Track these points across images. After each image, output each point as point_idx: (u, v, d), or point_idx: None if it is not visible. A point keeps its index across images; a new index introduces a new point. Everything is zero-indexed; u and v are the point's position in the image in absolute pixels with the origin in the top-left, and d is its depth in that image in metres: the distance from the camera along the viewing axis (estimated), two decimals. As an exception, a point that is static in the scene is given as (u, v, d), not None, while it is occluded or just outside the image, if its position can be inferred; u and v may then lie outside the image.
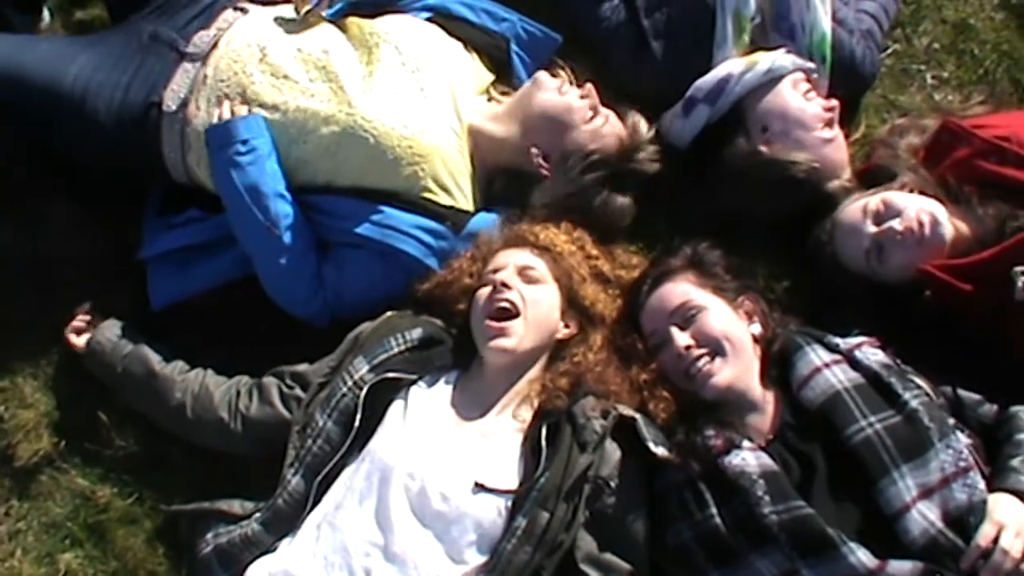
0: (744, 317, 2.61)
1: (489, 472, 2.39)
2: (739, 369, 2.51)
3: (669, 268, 2.65)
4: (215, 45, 2.82)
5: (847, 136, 3.04)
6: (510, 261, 2.62)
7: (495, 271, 2.61)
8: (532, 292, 2.57)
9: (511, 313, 2.54)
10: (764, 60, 2.87)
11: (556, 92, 2.84)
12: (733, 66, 2.88)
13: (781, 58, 2.87)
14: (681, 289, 2.59)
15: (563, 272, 2.63)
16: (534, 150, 2.83)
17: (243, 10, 2.91)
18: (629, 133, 2.88)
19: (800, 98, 2.86)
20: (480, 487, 2.36)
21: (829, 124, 2.86)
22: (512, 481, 2.39)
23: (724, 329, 2.53)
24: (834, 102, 2.88)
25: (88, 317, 2.85)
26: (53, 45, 2.88)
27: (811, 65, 2.90)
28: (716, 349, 2.51)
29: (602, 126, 2.85)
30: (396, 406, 2.53)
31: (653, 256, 2.86)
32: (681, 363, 2.52)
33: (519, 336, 2.53)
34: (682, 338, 2.53)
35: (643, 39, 2.99)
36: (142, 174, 2.91)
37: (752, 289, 2.69)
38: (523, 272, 2.59)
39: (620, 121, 2.89)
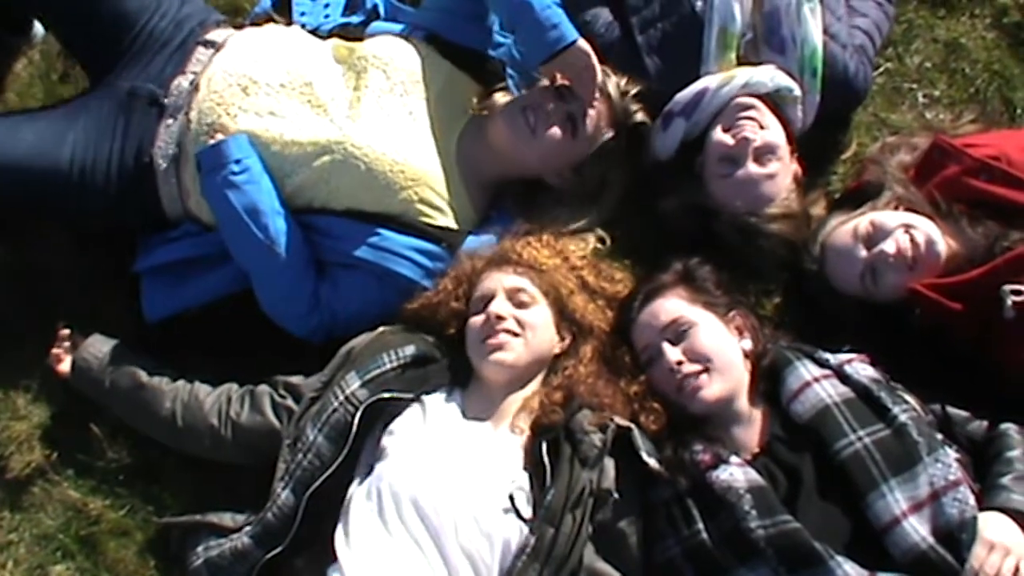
0: (735, 332, 2.62)
1: (513, 491, 2.38)
2: (728, 384, 2.52)
3: (660, 283, 2.66)
4: (195, 88, 2.81)
5: (839, 154, 3.08)
6: (498, 286, 2.61)
7: (485, 299, 2.60)
8: (526, 315, 2.57)
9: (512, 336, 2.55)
10: (741, 75, 2.86)
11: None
12: (711, 80, 2.88)
13: (760, 74, 2.87)
14: (672, 305, 2.60)
15: (550, 286, 2.63)
16: None
17: (214, 44, 2.88)
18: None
19: (719, 128, 2.85)
20: (512, 504, 2.35)
21: (731, 160, 2.83)
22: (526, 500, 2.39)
23: (714, 345, 2.54)
24: (751, 138, 2.80)
25: (68, 335, 2.83)
26: (37, 129, 2.81)
27: (791, 84, 2.88)
28: (706, 365, 2.52)
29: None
30: (406, 430, 2.50)
31: (640, 272, 2.86)
32: (672, 378, 2.53)
33: (517, 353, 2.53)
34: (673, 353, 2.54)
35: (637, 55, 2.99)
36: (140, 224, 2.91)
37: (743, 304, 2.70)
38: (513, 297, 2.59)
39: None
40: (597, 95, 2.83)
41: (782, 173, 2.83)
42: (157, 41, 2.87)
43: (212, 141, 2.73)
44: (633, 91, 2.90)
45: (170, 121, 2.80)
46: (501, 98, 2.94)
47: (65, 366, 2.81)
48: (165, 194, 2.82)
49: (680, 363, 2.52)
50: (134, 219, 2.89)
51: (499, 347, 2.52)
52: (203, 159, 2.73)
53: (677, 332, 2.56)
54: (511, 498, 2.35)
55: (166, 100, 2.81)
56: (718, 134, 2.85)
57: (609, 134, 2.87)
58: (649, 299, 2.63)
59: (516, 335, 2.54)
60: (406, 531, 2.34)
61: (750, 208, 2.82)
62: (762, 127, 2.82)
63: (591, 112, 2.83)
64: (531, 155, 2.84)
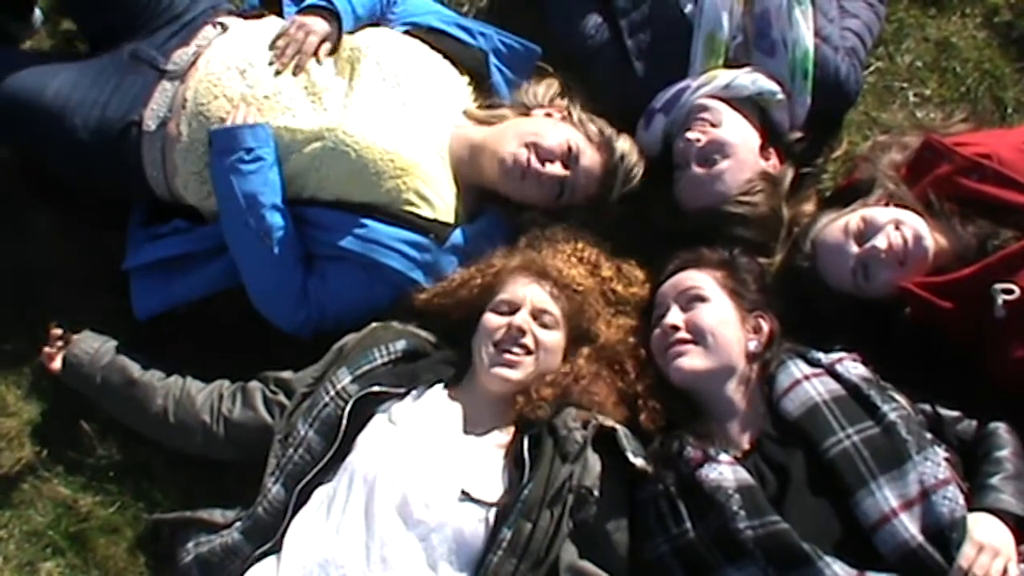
0: (748, 329, 2.62)
1: (474, 482, 2.40)
2: (710, 366, 2.54)
3: (701, 257, 2.71)
4: (194, 64, 2.81)
5: (830, 152, 3.10)
6: (527, 298, 2.59)
7: (511, 306, 2.58)
8: (545, 336, 2.57)
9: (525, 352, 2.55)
10: (724, 76, 2.88)
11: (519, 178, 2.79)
12: (693, 79, 2.90)
13: (742, 76, 2.88)
14: (699, 277, 2.64)
15: (576, 312, 2.62)
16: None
17: (222, 26, 2.89)
18: (607, 167, 2.85)
19: (678, 134, 2.87)
20: (466, 495, 2.36)
21: (683, 163, 2.84)
22: (496, 491, 2.40)
23: (715, 326, 2.56)
24: (692, 139, 2.81)
25: (59, 334, 2.82)
26: (38, 60, 2.87)
27: (773, 87, 2.89)
28: (699, 340, 2.55)
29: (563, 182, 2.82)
30: (380, 416, 2.53)
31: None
32: (664, 339, 2.58)
33: (526, 372, 2.54)
34: (675, 316, 2.58)
35: (626, 58, 3.00)
36: (123, 190, 2.91)
37: (772, 310, 2.68)
38: (538, 316, 2.58)
39: (600, 155, 2.84)
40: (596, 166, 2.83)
41: (734, 169, 2.82)
42: (170, 12, 2.90)
43: (229, 123, 2.73)
44: (640, 163, 2.88)
45: (167, 85, 2.81)
46: (509, 116, 2.91)
47: (57, 364, 2.80)
48: (148, 161, 2.82)
49: (676, 327, 2.56)
50: (113, 179, 2.88)
51: (511, 364, 2.53)
52: (215, 139, 2.73)
53: (689, 300, 2.60)
54: (464, 492, 2.37)
55: (166, 66, 2.82)
56: (676, 142, 2.87)
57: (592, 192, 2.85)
58: (683, 267, 2.68)
59: (530, 352, 2.54)
60: (353, 510, 2.39)
61: (698, 205, 2.83)
62: (714, 125, 2.83)
63: (579, 186, 2.82)
64: (514, 193, 2.83)
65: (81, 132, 2.79)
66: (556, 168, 2.78)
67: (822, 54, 2.93)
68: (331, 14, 2.84)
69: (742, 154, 2.84)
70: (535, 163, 2.76)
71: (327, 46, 2.84)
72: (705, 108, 2.85)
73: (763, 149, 2.88)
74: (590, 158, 2.82)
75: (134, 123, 2.79)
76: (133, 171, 2.83)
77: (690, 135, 2.82)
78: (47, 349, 2.81)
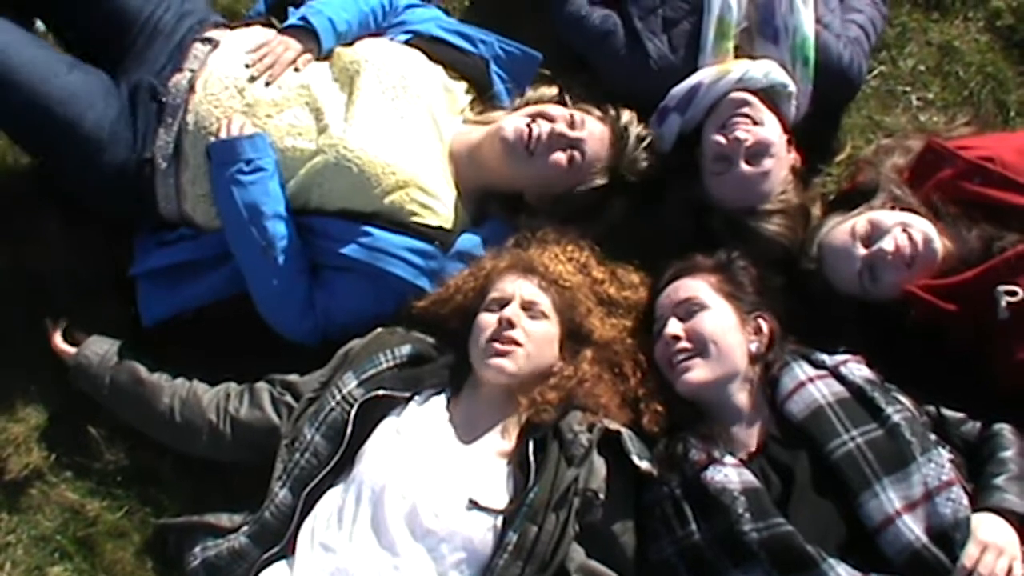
0: (749, 332, 2.63)
1: (481, 490, 2.40)
2: (717, 374, 2.54)
3: (694, 264, 2.70)
4: (192, 88, 2.81)
5: (833, 156, 3.11)
6: (516, 292, 2.61)
7: (500, 302, 2.60)
8: (535, 327, 2.57)
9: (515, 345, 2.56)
10: (736, 69, 2.86)
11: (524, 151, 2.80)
12: (705, 75, 2.89)
13: (755, 69, 2.87)
14: (695, 285, 2.64)
15: (567, 306, 2.63)
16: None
17: (212, 41, 2.88)
18: (614, 140, 2.85)
19: (714, 126, 2.85)
20: (474, 504, 2.37)
21: (725, 159, 2.82)
22: (503, 498, 2.41)
23: (716, 332, 2.56)
24: (743, 138, 2.79)
25: (54, 323, 2.84)
26: (74, 79, 2.79)
27: (785, 79, 2.89)
28: (701, 349, 2.55)
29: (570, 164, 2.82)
30: (387, 424, 2.54)
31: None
32: (667, 351, 2.58)
33: (519, 365, 2.54)
34: (674, 327, 2.58)
35: (636, 42, 3.00)
36: (133, 215, 2.92)
37: (772, 311, 2.69)
38: (527, 307, 2.59)
39: (605, 126, 2.86)
40: (603, 133, 2.84)
41: (776, 168, 2.83)
42: (160, 33, 2.89)
43: (224, 134, 2.74)
44: (646, 140, 2.89)
45: (169, 120, 2.81)
46: (504, 114, 2.92)
47: (70, 347, 2.81)
48: (162, 194, 2.83)
49: (677, 337, 2.56)
50: (126, 210, 2.89)
51: (503, 354, 2.53)
52: (214, 152, 2.74)
53: (688, 310, 2.60)
54: (472, 501, 2.37)
55: (165, 99, 2.82)
56: (713, 134, 2.85)
57: (603, 180, 2.85)
58: (679, 276, 2.68)
59: (520, 345, 2.54)
60: (363, 521, 2.39)
61: (744, 205, 2.82)
62: (756, 123, 2.83)
63: (589, 149, 2.81)
64: (522, 176, 2.83)
65: (108, 169, 2.80)
66: (561, 127, 2.78)
67: (824, 40, 2.94)
68: (311, 34, 2.86)
69: (780, 151, 2.85)
70: (540, 127, 2.77)
71: (306, 57, 2.86)
72: (746, 103, 2.83)
73: (788, 143, 2.89)
74: (594, 123, 2.83)
75: (147, 161, 2.80)
76: (147, 203, 2.85)
77: (739, 134, 2.79)
78: (54, 341, 2.83)
